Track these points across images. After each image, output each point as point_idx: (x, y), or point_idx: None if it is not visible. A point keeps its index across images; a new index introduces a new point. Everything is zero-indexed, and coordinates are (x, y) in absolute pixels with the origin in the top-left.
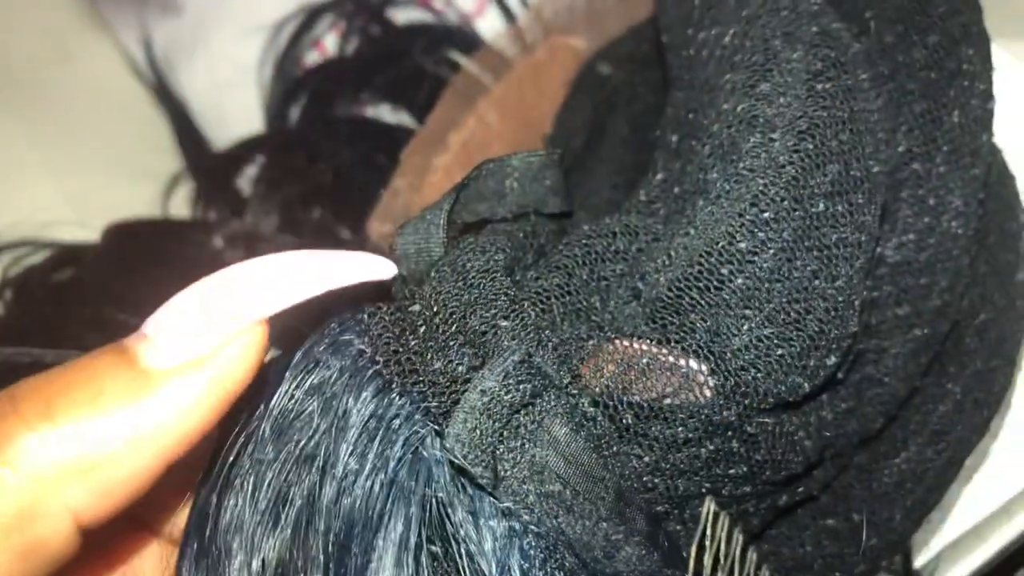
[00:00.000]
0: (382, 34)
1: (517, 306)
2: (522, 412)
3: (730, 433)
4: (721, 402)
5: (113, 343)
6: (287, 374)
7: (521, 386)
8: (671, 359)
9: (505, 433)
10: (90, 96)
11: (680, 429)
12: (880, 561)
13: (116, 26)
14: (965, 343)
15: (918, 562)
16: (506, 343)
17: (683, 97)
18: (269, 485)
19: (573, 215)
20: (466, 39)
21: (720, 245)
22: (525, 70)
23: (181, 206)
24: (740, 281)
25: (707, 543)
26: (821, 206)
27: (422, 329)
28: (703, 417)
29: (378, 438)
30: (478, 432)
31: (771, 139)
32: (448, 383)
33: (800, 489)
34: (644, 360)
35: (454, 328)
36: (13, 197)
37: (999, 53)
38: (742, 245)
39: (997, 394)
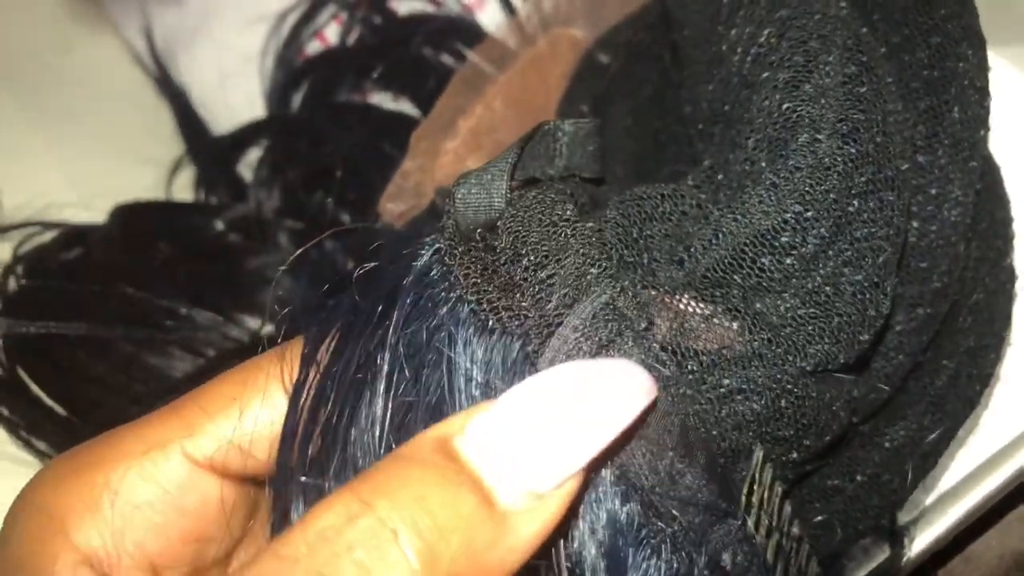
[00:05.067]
0: (383, 24)
1: (604, 256)
2: (606, 349)
3: (779, 391)
4: (769, 357)
5: (452, 469)
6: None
7: (609, 325)
8: (719, 319)
9: None
10: (92, 83)
11: (736, 380)
12: (880, 519)
13: (117, 16)
14: (959, 322)
15: (902, 519)
16: (594, 288)
17: (714, 90)
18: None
19: (605, 183)
20: (467, 30)
21: (763, 238)
22: (528, 60)
23: (183, 191)
24: (778, 270)
25: (755, 487)
26: (856, 204)
27: (505, 270)
28: (754, 369)
29: (491, 381)
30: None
31: (817, 139)
32: (539, 319)
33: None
34: (697, 315)
35: (548, 272)
36: (19, 180)
37: (992, 58)
38: (784, 239)
39: (988, 370)
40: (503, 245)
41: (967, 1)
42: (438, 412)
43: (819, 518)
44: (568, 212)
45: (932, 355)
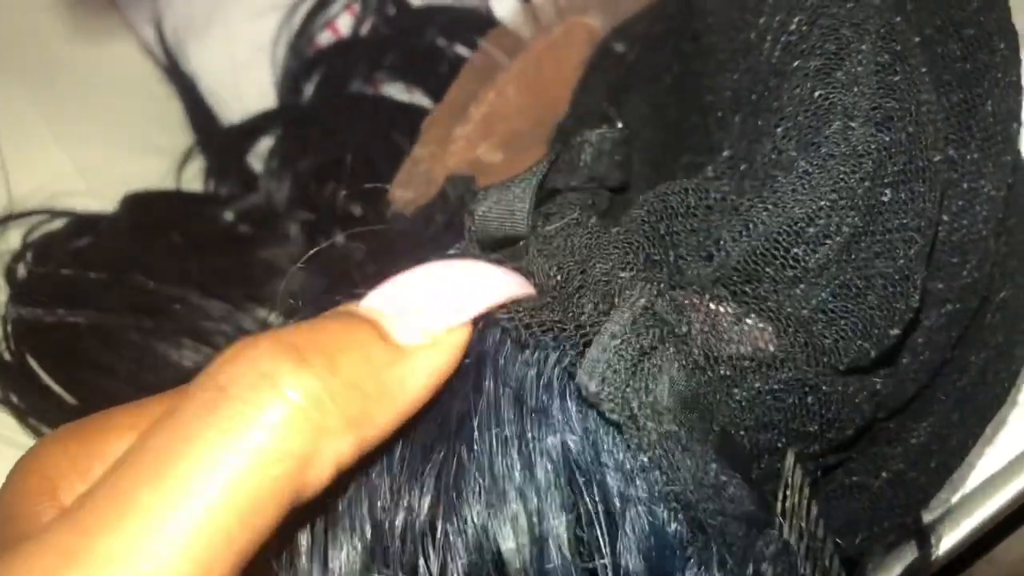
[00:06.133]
0: (397, 15)
1: (630, 257)
2: (648, 357)
3: (808, 390)
4: (802, 358)
5: (350, 314)
6: None
7: (650, 331)
8: (749, 321)
9: (633, 374)
10: (102, 72)
11: (767, 382)
12: (905, 518)
13: (127, 4)
14: (987, 319)
15: (926, 518)
16: (628, 292)
17: (740, 79)
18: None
19: (628, 190)
20: (481, 20)
21: (797, 227)
22: (542, 48)
23: (193, 181)
24: (811, 261)
25: (788, 492)
26: (889, 194)
27: (534, 286)
28: (785, 371)
29: (525, 397)
30: (611, 371)
31: (850, 127)
32: (575, 329)
33: (843, 451)
34: (729, 316)
35: (577, 282)
36: (27, 169)
37: None
38: (818, 228)
39: (1016, 366)
40: (533, 261)
41: None
42: (464, 422)
43: (844, 516)
44: (591, 223)
45: (960, 352)
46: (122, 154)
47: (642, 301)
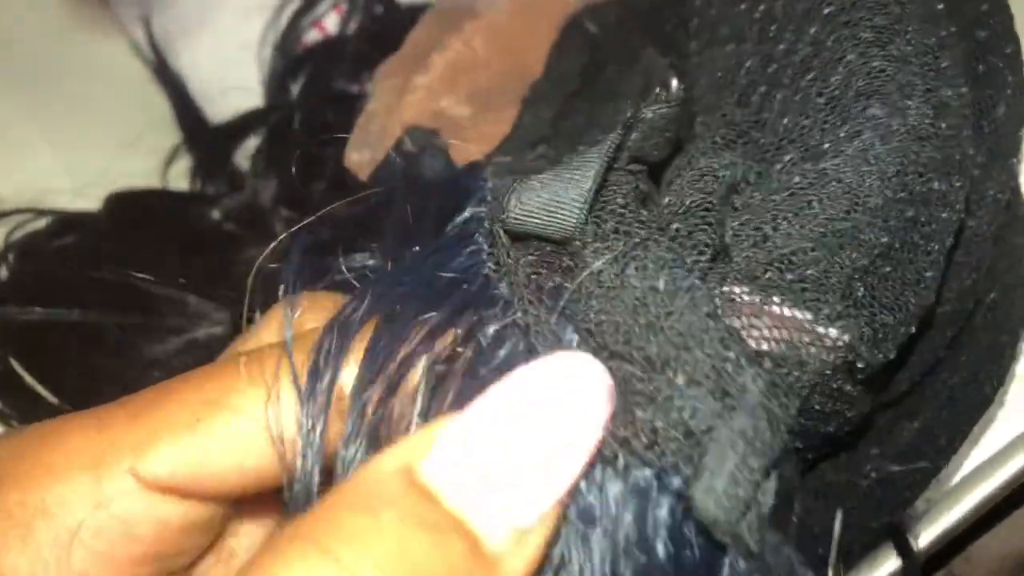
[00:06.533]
0: (384, 14)
1: (728, 331)
2: (774, 469)
3: (841, 395)
4: (850, 369)
5: (437, 524)
6: None
7: (772, 437)
8: (829, 337)
9: (753, 497)
10: (90, 71)
11: (820, 398)
12: (893, 516)
13: (116, 3)
14: (976, 320)
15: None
16: (741, 381)
17: (755, 50)
18: None
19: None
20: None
21: (868, 204)
22: (513, 7)
23: (179, 180)
24: (867, 245)
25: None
26: (936, 185)
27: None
28: (836, 384)
29: (628, 535)
30: (733, 492)
31: (907, 105)
32: (685, 437)
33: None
34: (805, 337)
35: (674, 372)
36: (13, 167)
37: None
38: (884, 212)
39: (1004, 368)
40: (600, 332)
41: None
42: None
43: (831, 514)
44: (668, 272)
45: (952, 352)
46: (109, 153)
47: (756, 397)
